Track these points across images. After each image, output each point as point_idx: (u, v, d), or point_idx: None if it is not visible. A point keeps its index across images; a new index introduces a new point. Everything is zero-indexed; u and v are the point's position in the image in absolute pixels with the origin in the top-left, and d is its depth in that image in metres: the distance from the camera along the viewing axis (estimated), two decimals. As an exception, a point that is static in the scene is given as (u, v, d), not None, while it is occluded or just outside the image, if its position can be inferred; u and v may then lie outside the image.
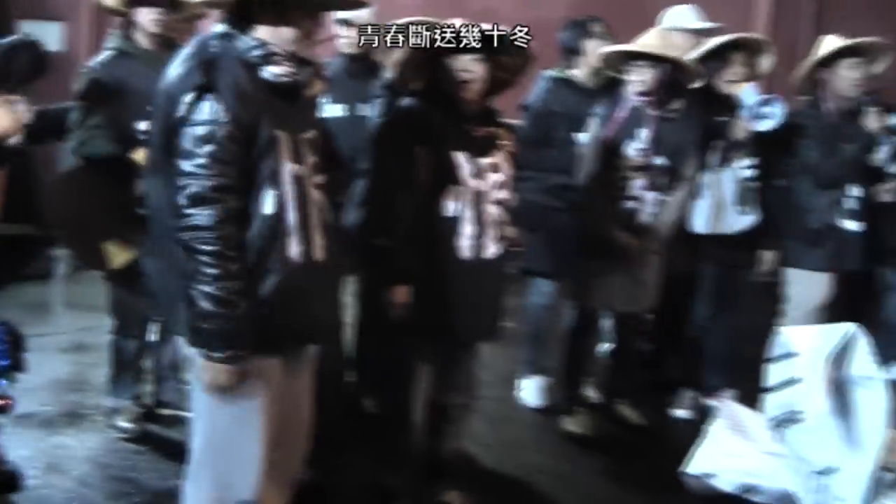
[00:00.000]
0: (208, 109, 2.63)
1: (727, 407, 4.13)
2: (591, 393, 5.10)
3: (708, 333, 5.00)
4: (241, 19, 2.75)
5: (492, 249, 3.60)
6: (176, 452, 3.75)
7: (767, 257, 4.91)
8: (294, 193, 2.77)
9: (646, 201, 4.52)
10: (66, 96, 4.18)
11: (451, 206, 3.52)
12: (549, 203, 4.86)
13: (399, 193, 3.54)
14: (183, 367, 3.78)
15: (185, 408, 3.73)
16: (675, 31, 5.04)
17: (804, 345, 3.71)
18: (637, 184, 4.50)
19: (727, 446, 3.87)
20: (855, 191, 4.71)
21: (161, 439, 4.37)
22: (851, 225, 4.71)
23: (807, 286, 4.79)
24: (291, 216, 2.77)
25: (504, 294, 3.80)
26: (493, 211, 3.60)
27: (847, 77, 4.70)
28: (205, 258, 2.63)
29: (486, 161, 3.60)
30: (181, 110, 2.64)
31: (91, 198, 4.03)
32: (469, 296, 3.58)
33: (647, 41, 4.46)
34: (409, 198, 3.53)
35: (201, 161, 2.62)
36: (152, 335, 4.46)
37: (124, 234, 3.93)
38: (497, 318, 3.78)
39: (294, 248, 2.79)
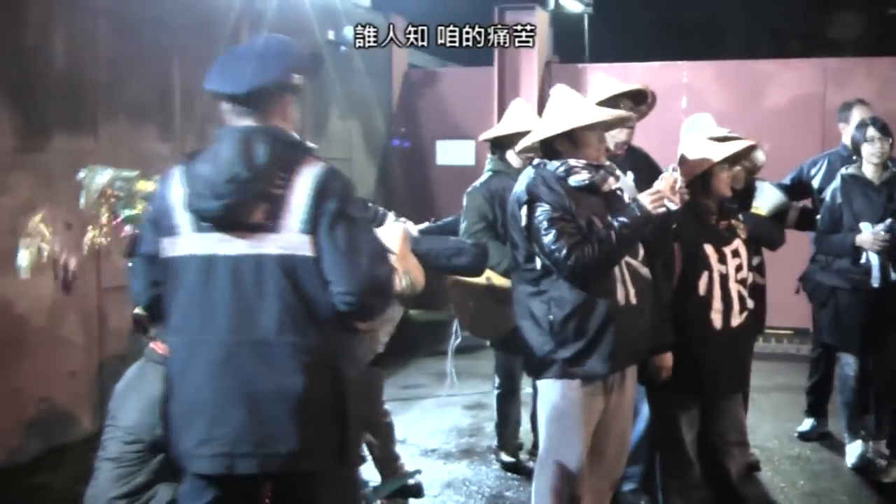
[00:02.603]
0: (538, 212, 4.12)
1: None
2: None
3: None
4: (552, 153, 4.26)
5: (737, 320, 4.63)
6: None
7: None
8: None
9: None
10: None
11: (702, 287, 4.56)
12: (836, 283, 6.02)
13: (661, 281, 4.52)
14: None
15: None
16: None
17: None
18: None
19: None
20: None
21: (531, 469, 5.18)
22: None
23: None
24: (616, 269, 4.17)
25: (750, 353, 5.15)
26: (736, 288, 4.63)
27: None
28: None
29: (728, 248, 4.65)
30: (523, 220, 4.16)
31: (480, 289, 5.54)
32: (721, 357, 4.62)
33: None
34: (668, 284, 4.57)
35: (549, 238, 4.06)
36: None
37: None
38: (745, 373, 5.07)
39: (619, 293, 4.16)
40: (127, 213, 4.26)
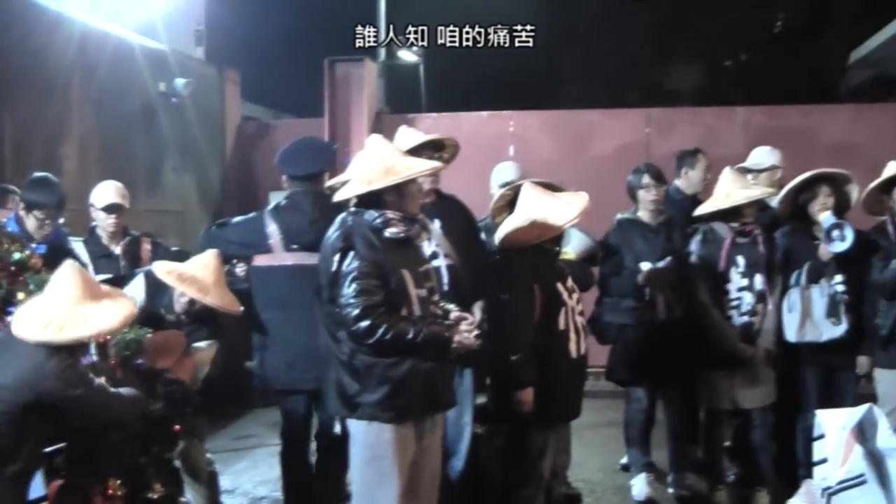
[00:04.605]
0: (349, 261, 4.37)
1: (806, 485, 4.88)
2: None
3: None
4: (373, 203, 4.49)
5: (583, 347, 5.21)
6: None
7: (862, 361, 6.05)
8: (420, 308, 4.47)
9: (757, 314, 6.03)
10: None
11: (561, 322, 5.08)
12: (624, 321, 6.46)
13: (524, 320, 5.02)
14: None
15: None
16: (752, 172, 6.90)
17: (830, 426, 4.55)
18: (746, 301, 6.02)
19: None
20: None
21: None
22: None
23: (891, 384, 5.82)
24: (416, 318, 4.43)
25: None
26: (579, 319, 5.21)
27: None
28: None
29: (568, 284, 5.22)
30: (333, 265, 4.40)
31: None
32: (576, 384, 5.29)
33: (750, 192, 6.09)
34: (531, 322, 5.04)
35: (349, 291, 4.33)
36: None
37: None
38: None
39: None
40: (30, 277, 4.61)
